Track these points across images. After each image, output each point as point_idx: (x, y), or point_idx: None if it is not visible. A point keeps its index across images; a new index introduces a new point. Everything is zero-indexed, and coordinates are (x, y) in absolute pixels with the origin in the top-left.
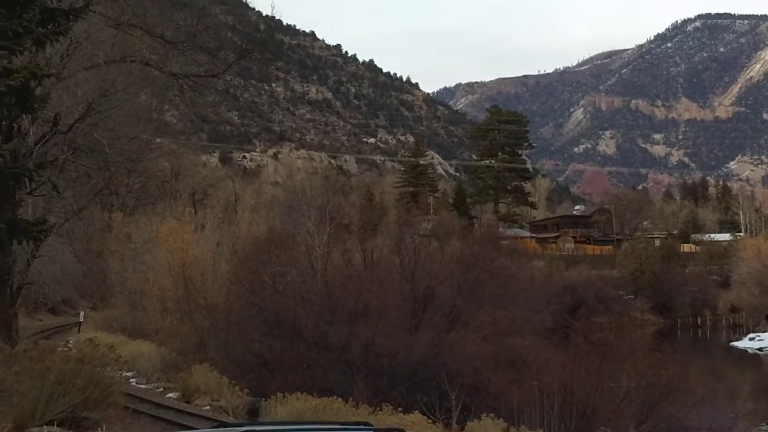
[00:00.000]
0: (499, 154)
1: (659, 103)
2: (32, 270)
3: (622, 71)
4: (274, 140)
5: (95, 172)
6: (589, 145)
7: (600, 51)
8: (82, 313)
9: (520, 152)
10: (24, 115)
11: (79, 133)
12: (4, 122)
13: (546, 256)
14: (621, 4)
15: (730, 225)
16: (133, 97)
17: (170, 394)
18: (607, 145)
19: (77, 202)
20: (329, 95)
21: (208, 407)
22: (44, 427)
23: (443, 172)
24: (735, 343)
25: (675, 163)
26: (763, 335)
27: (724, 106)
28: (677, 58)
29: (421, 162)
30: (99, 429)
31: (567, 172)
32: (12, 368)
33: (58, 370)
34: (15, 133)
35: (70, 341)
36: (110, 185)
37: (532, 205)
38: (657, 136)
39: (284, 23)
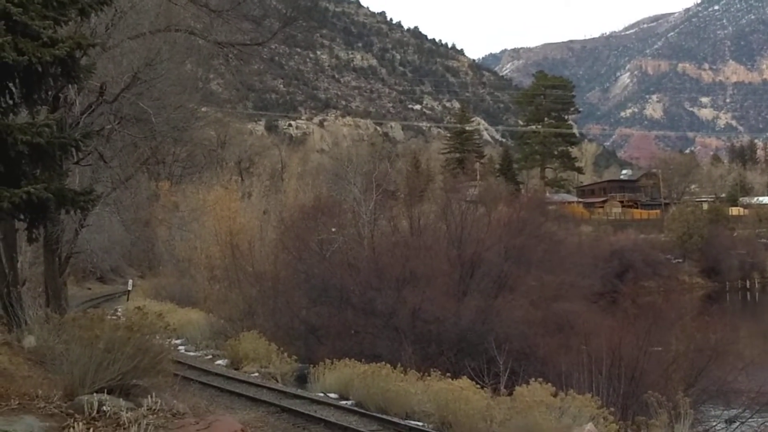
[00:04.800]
0: (546, 119)
1: (706, 66)
2: (80, 239)
3: (669, 35)
4: (319, 108)
5: (141, 141)
6: (636, 110)
7: (646, 15)
8: (130, 282)
9: (566, 117)
10: (70, 85)
11: (125, 103)
12: (50, 92)
13: (593, 220)
14: None
15: None
16: (178, 66)
17: (219, 362)
18: (654, 109)
19: (124, 172)
20: (374, 62)
21: (256, 374)
22: (94, 394)
23: (489, 138)
24: None
25: (722, 127)
26: None
27: None
28: (725, 21)
29: (467, 128)
30: (149, 396)
31: (614, 136)
32: (62, 337)
33: (107, 338)
34: (61, 104)
35: (119, 309)
36: (157, 154)
37: (579, 170)
38: (704, 100)
39: None
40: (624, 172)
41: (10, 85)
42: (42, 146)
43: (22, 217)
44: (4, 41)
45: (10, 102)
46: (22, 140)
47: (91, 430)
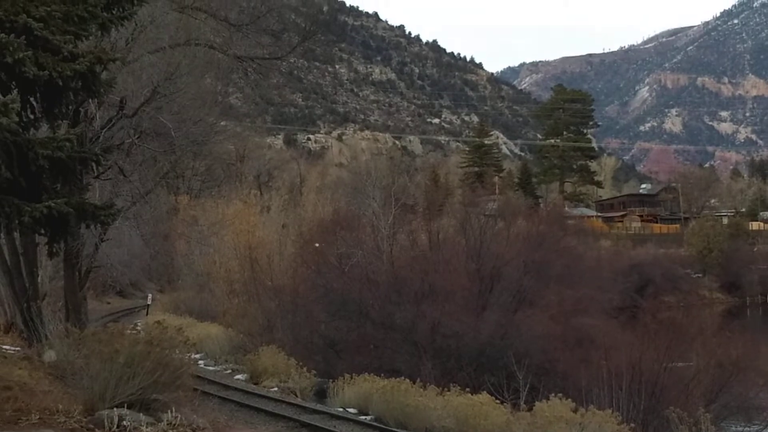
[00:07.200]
0: (564, 133)
1: (726, 80)
2: (100, 253)
3: (688, 48)
4: (338, 122)
5: (161, 155)
6: (655, 123)
7: (665, 28)
8: (149, 296)
9: (585, 131)
10: (90, 100)
11: (144, 117)
12: (70, 107)
13: (612, 235)
14: None
15: None
16: (197, 81)
17: (238, 376)
18: (674, 123)
19: (144, 186)
20: (393, 76)
21: (276, 389)
22: (114, 409)
23: (508, 152)
24: None
25: (742, 141)
26: None
27: None
28: (744, 35)
29: (486, 142)
30: (169, 411)
31: (633, 150)
32: (82, 351)
33: (127, 352)
34: (82, 118)
35: (139, 324)
36: (176, 168)
37: (598, 184)
38: (724, 114)
39: (347, 4)
40: (643, 186)
41: (31, 99)
42: (63, 161)
43: (42, 231)
44: (25, 56)
45: (31, 116)
46: (43, 155)
47: None
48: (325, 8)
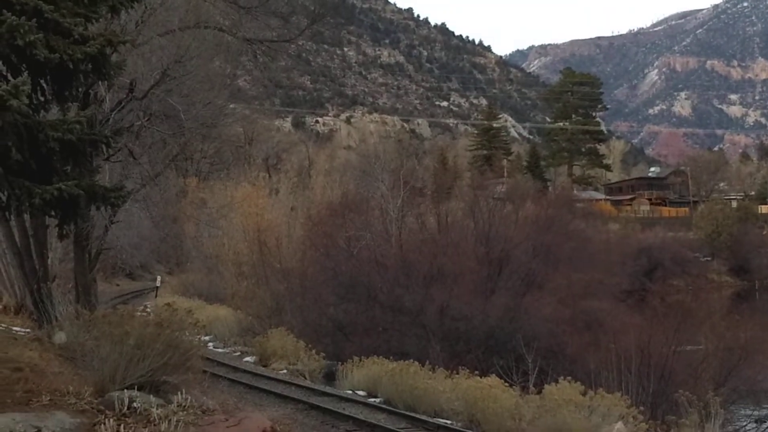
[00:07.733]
0: (573, 116)
1: (735, 63)
2: (110, 235)
3: (698, 31)
4: (346, 104)
5: (170, 138)
6: (664, 107)
7: (675, 11)
8: (158, 278)
9: (594, 114)
10: (100, 82)
11: (154, 100)
12: (80, 89)
13: (621, 218)
14: None
15: None
16: (207, 63)
17: (247, 358)
18: (683, 106)
19: (153, 168)
20: (401, 59)
21: (285, 371)
22: (125, 391)
23: (516, 135)
24: None
25: (752, 124)
26: None
27: None
28: (754, 18)
29: (495, 125)
30: (178, 393)
31: (642, 133)
32: (92, 333)
33: (137, 334)
34: (91, 100)
35: (148, 306)
36: (185, 151)
37: (607, 168)
38: (733, 97)
39: None
40: (652, 169)
41: (42, 82)
42: (73, 143)
43: (53, 213)
44: (36, 39)
45: (42, 99)
46: (53, 137)
47: (122, 426)
48: None
